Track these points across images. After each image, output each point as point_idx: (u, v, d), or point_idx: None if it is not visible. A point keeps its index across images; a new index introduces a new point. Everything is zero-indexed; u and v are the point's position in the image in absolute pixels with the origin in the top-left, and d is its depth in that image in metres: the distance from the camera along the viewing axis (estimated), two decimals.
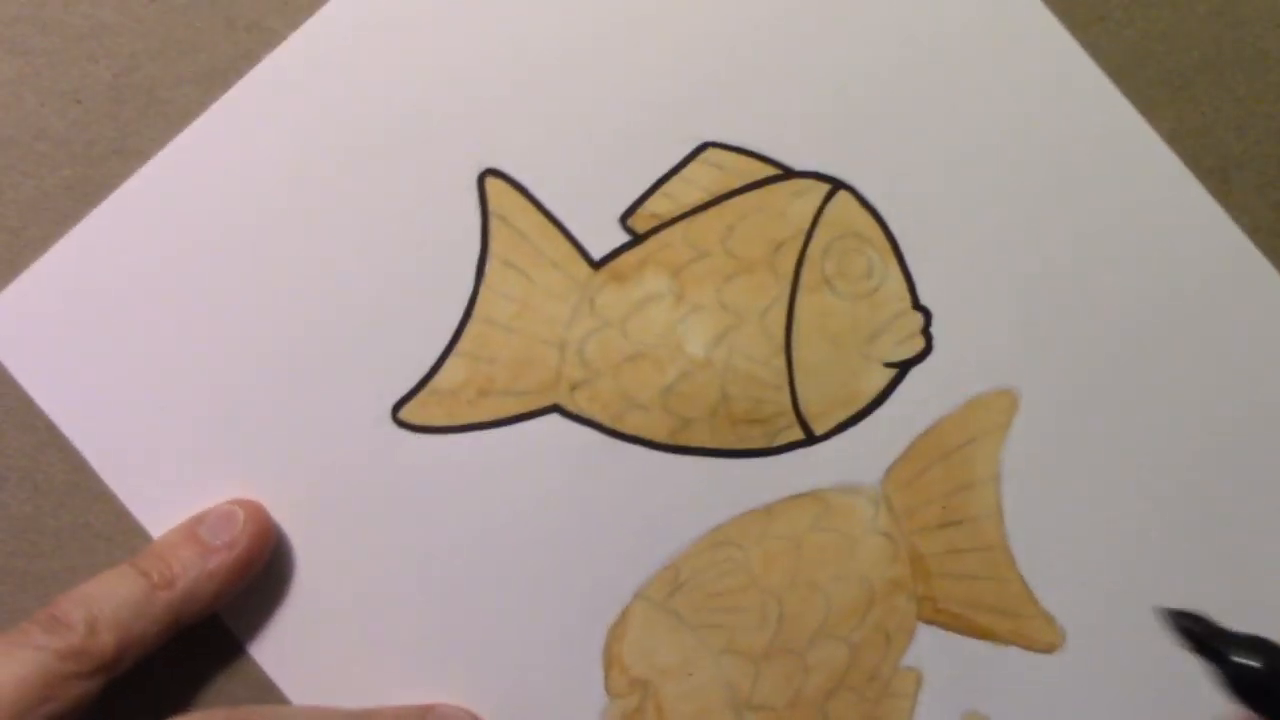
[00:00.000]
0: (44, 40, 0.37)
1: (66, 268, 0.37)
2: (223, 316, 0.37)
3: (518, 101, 0.37)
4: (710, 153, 0.38)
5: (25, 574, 0.38)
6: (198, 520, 0.37)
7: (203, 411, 0.37)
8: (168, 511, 0.37)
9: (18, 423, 0.37)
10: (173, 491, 0.37)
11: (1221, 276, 0.38)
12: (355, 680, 0.38)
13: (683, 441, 0.38)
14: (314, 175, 0.37)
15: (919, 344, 0.38)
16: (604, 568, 0.38)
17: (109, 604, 0.35)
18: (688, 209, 0.38)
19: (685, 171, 0.38)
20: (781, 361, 0.38)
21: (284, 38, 0.37)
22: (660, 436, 0.38)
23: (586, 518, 0.38)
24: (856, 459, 0.38)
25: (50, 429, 0.37)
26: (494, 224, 0.38)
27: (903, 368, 0.38)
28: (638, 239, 0.38)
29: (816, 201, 0.38)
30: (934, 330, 0.38)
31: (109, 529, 0.38)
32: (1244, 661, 0.28)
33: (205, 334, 0.37)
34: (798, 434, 0.38)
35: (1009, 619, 0.38)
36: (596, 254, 0.38)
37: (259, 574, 0.37)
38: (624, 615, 0.38)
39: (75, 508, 0.38)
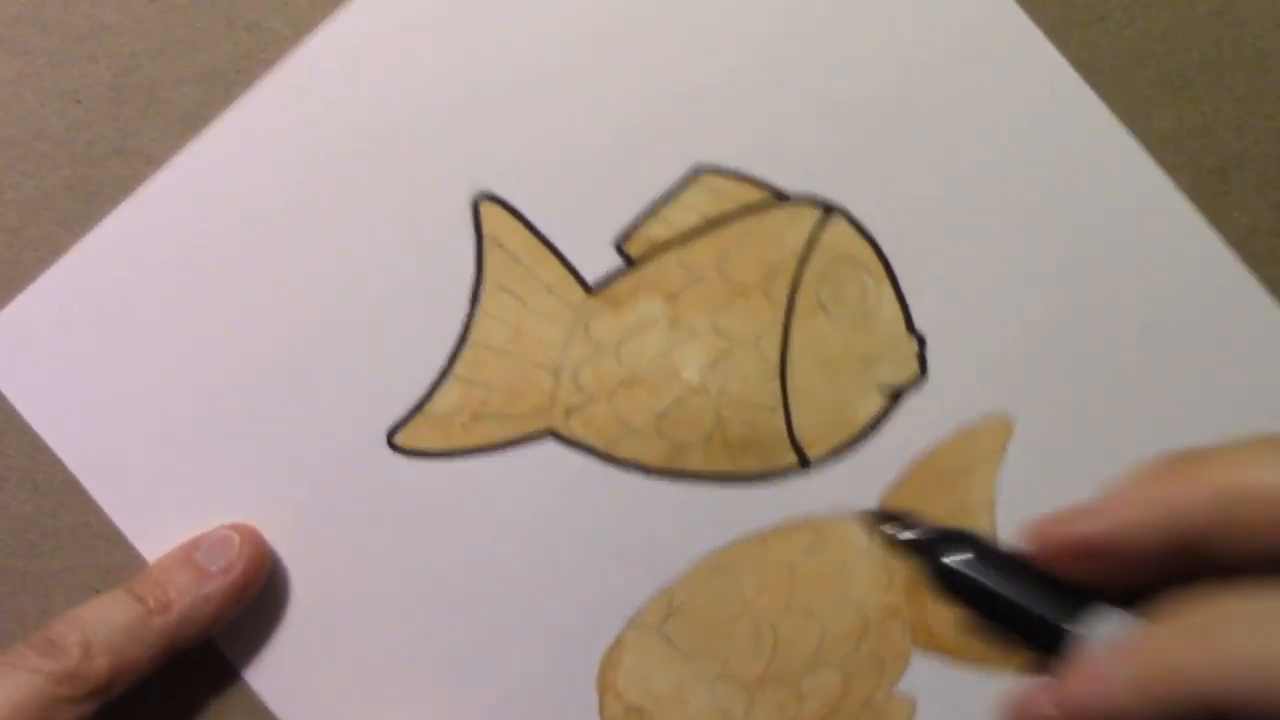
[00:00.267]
0: (44, 40, 0.37)
1: (59, 292, 0.37)
2: (216, 341, 0.37)
3: (513, 126, 0.37)
4: (705, 178, 0.38)
5: (25, 574, 0.38)
6: (193, 545, 0.37)
7: (198, 435, 0.37)
8: (163, 534, 0.37)
9: (18, 423, 0.37)
10: (168, 515, 0.37)
11: (1217, 301, 0.38)
12: (350, 706, 0.38)
13: (677, 467, 0.38)
14: (306, 201, 0.37)
15: (914, 369, 0.38)
16: (598, 594, 0.38)
17: (104, 628, 0.35)
18: (682, 234, 0.38)
19: (680, 197, 0.38)
20: (776, 387, 0.38)
21: (284, 38, 0.37)
22: (655, 462, 0.38)
23: (580, 543, 0.38)
24: (851, 485, 0.38)
25: None
26: (489, 248, 0.38)
27: (897, 393, 0.38)
28: (632, 264, 0.38)
29: (811, 226, 0.38)
30: (928, 356, 0.38)
31: (109, 529, 0.38)
32: (953, 560, 0.27)
33: (199, 358, 0.37)
34: (792, 459, 0.38)
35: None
36: (591, 278, 0.38)
37: (254, 599, 0.37)
38: (618, 642, 0.38)
39: (75, 508, 0.38)
